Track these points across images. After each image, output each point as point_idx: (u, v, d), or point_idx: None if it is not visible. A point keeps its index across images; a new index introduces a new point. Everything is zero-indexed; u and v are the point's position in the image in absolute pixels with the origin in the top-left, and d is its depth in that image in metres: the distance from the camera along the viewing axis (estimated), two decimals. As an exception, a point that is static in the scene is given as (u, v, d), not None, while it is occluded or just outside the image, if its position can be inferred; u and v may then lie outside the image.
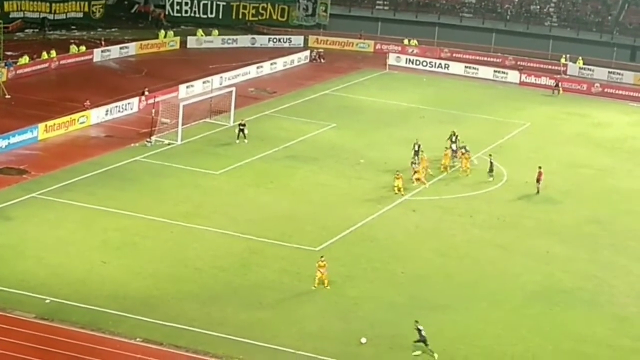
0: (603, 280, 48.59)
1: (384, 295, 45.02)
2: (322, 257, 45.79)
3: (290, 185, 59.20)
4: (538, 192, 60.34)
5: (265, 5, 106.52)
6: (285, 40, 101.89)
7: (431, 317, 42.25)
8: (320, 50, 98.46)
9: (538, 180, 60.41)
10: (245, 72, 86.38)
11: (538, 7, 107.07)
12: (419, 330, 39.84)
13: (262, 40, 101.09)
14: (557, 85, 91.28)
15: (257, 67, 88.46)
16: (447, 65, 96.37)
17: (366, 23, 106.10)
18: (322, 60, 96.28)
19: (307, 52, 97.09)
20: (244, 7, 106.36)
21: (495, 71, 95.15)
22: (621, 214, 58.52)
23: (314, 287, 44.82)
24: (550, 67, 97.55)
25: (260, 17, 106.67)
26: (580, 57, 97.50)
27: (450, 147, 64.75)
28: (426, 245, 51.61)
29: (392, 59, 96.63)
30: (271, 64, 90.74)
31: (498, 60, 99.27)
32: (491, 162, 62.38)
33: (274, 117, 74.12)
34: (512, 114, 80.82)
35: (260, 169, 61.10)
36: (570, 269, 49.70)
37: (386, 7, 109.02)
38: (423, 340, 39.73)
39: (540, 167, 60.72)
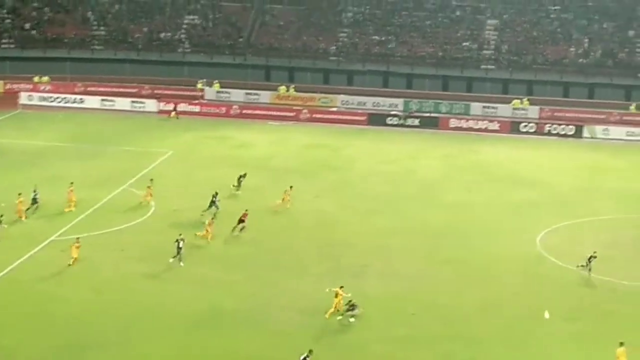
0: (261, 298, 48.43)
1: (41, 341, 42.89)
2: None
3: None
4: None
5: None
6: None
7: (88, 357, 40.89)
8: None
9: (241, 221, 57.67)
10: None
11: (169, 34, 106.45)
12: None
13: None
14: (175, 109, 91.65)
15: None
16: (82, 100, 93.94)
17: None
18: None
19: None
20: None
21: (132, 101, 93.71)
22: (277, 231, 58.39)
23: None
24: (187, 93, 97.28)
25: None
26: (216, 81, 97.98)
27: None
28: (80, 285, 49.56)
29: (24, 98, 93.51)
30: None
31: (134, 90, 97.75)
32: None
33: None
34: (154, 144, 79.81)
35: None
36: (229, 292, 49.18)
37: (12, 45, 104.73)
38: None
39: (246, 210, 58.15)
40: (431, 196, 67.30)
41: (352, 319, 45.66)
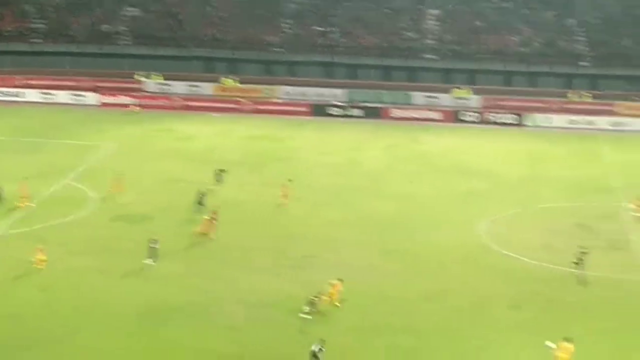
0: (212, 293, 48.05)
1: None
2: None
3: None
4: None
5: None
6: None
7: (29, 357, 40.37)
8: None
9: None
10: None
11: (110, 26, 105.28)
12: None
13: None
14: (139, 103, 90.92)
15: None
16: (22, 93, 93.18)
17: None
18: None
19: None
20: None
21: (73, 94, 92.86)
22: (225, 225, 57.67)
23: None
24: (128, 85, 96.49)
25: None
26: (158, 73, 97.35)
27: None
28: (25, 281, 48.75)
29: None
30: None
31: (74, 83, 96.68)
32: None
33: None
34: (97, 137, 79.18)
35: None
36: (179, 285, 48.80)
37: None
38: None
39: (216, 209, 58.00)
40: (377, 187, 67.42)
41: (309, 316, 45.30)
